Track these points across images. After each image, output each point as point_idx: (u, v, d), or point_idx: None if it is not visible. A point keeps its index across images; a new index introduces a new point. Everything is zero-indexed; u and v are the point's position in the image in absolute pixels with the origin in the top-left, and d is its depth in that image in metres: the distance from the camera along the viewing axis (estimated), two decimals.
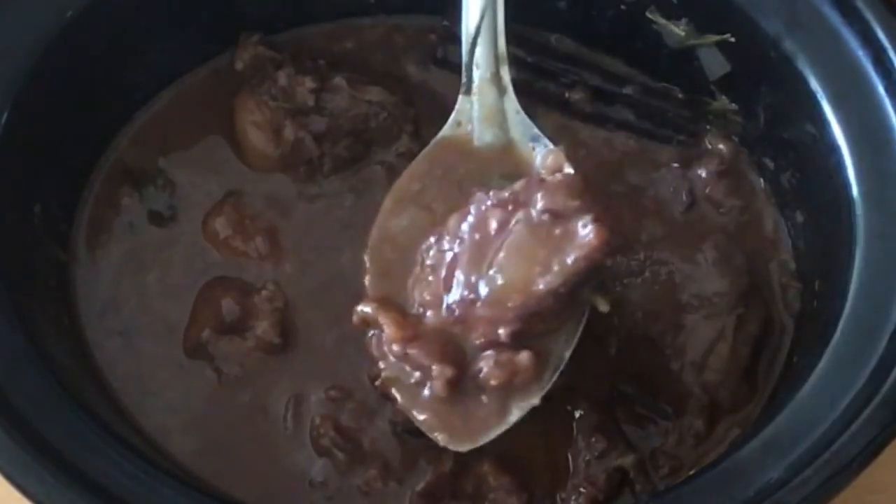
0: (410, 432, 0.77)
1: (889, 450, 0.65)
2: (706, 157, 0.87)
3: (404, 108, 0.86)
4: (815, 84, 0.77)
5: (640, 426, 0.78)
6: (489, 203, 0.68)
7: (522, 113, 0.77)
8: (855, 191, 0.74)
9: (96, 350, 0.79)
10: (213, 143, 0.86)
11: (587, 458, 0.76)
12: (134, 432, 0.75)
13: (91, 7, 0.78)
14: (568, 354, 0.70)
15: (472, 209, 0.69)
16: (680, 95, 0.89)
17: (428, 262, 0.70)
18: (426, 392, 0.69)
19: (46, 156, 0.79)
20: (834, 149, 0.76)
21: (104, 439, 0.67)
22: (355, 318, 0.71)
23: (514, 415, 0.69)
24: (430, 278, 0.70)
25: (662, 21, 0.84)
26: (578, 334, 0.71)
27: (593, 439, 0.76)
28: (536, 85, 0.87)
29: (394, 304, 0.71)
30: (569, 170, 0.69)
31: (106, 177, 0.85)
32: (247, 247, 0.82)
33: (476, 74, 0.77)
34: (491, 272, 0.67)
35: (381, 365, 0.70)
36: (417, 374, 0.69)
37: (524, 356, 0.68)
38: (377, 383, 0.72)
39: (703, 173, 0.86)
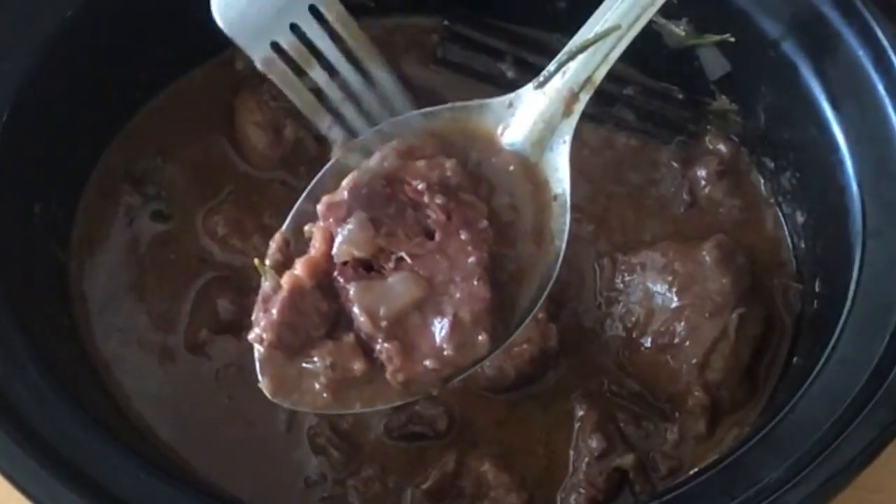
0: (406, 437, 0.77)
1: (889, 450, 0.65)
2: (706, 157, 0.87)
3: None
4: (814, 84, 0.77)
5: (639, 426, 0.78)
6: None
7: (569, 144, 0.69)
8: (855, 191, 0.74)
9: (96, 349, 0.79)
10: (213, 143, 0.86)
11: (587, 458, 0.76)
12: (132, 431, 0.75)
13: (91, 7, 0.78)
14: (369, 409, 0.66)
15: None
16: (680, 95, 0.89)
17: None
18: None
19: (46, 156, 0.79)
20: (834, 149, 0.76)
21: (104, 438, 0.67)
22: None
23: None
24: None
25: (662, 21, 0.84)
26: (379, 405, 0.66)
27: (593, 439, 0.76)
28: None
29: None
30: None
31: (106, 176, 0.85)
32: (245, 246, 0.82)
33: (558, 79, 0.69)
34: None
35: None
36: (258, 314, 0.65)
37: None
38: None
39: (703, 173, 0.86)
